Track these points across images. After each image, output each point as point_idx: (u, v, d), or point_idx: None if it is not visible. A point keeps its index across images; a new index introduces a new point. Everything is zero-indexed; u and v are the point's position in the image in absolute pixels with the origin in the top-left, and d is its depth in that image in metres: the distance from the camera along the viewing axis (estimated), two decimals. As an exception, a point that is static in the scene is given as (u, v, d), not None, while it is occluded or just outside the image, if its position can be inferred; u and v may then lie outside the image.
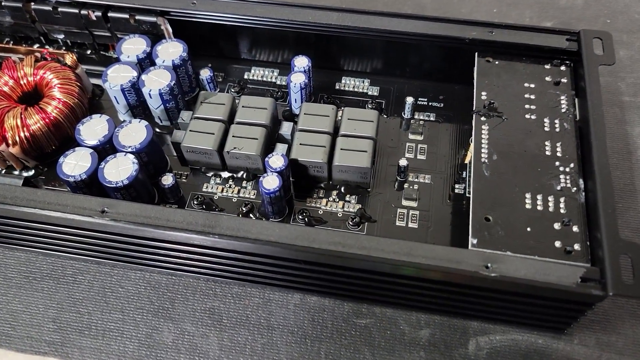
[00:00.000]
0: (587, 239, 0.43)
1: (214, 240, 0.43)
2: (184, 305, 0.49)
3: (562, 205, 0.45)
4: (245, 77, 0.61)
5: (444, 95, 0.59)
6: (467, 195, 0.52)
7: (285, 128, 0.53)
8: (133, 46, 0.56)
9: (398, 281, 0.44)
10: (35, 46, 0.63)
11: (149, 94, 0.53)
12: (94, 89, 0.60)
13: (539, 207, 0.45)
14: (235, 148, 0.51)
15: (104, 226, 0.44)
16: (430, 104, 0.58)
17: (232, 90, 0.60)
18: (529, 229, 0.44)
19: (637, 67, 0.64)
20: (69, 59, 0.57)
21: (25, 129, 0.51)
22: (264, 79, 0.61)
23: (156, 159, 0.52)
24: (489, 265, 0.41)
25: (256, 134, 0.52)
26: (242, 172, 0.53)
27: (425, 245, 0.42)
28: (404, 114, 0.57)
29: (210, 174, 0.54)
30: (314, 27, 0.56)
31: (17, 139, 0.51)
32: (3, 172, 0.54)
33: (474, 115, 0.50)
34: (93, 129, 0.51)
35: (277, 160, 0.49)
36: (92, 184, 0.49)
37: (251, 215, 0.51)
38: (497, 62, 0.54)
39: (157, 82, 0.53)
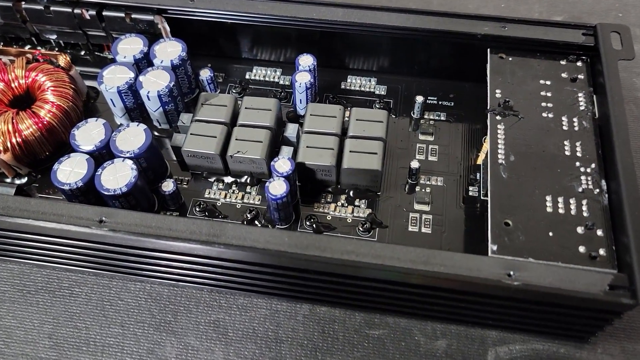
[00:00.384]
0: (613, 244, 0.41)
1: (219, 250, 0.41)
2: (187, 318, 0.47)
3: (584, 208, 0.43)
4: (247, 77, 0.59)
5: (454, 93, 0.56)
6: (481, 197, 0.49)
7: (291, 130, 0.51)
8: (129, 46, 0.54)
9: (414, 291, 0.41)
10: (27, 47, 0.60)
11: (147, 96, 0.51)
12: (88, 91, 0.57)
13: (561, 211, 0.43)
14: (238, 152, 0.48)
15: (102, 237, 0.42)
16: (440, 102, 0.56)
17: (234, 91, 0.57)
18: (550, 234, 0.42)
19: (651, 62, 0.62)
20: (62, 60, 0.55)
21: (17, 134, 0.49)
22: (267, 78, 0.58)
23: (156, 164, 0.50)
24: (512, 273, 0.39)
25: (260, 137, 0.49)
26: (246, 177, 0.51)
27: (443, 252, 0.40)
28: (414, 113, 0.55)
29: (212, 179, 0.51)
30: (319, 24, 0.54)
31: (9, 145, 0.49)
32: (-6, 180, 0.51)
33: (488, 115, 0.48)
34: (89, 134, 0.48)
35: (283, 164, 0.46)
36: (88, 192, 0.46)
37: (256, 222, 0.49)
38: (510, 59, 0.52)
39: (155, 83, 0.51)
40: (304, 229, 0.48)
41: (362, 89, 0.57)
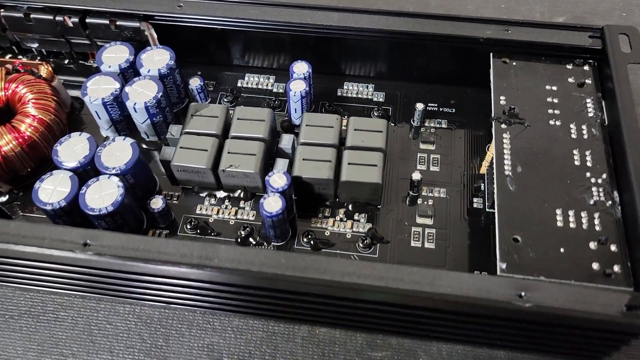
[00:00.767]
0: (628, 259, 0.39)
1: (211, 274, 0.38)
2: (179, 343, 0.44)
3: (596, 221, 0.41)
4: (239, 84, 0.56)
5: (456, 99, 0.54)
6: (486, 210, 0.47)
7: (285, 141, 0.48)
8: (114, 55, 0.51)
9: (419, 313, 0.39)
10: (7, 57, 0.57)
11: (134, 108, 0.48)
12: (73, 102, 0.55)
13: (572, 225, 0.41)
14: (231, 166, 0.46)
15: (86, 261, 0.39)
16: (441, 109, 0.54)
17: (225, 100, 0.55)
18: (562, 250, 0.39)
19: (658, 64, 0.60)
20: (44, 70, 0.52)
21: (-4, 150, 0.46)
22: (259, 86, 0.56)
23: (144, 180, 0.47)
24: (523, 294, 0.36)
25: (254, 149, 0.47)
26: (239, 191, 0.48)
27: (450, 273, 0.37)
28: (414, 121, 0.52)
29: (204, 194, 0.49)
30: (314, 29, 0.51)
31: (-12, 162, 0.46)
32: (-27, 198, 0.48)
33: (493, 123, 0.46)
34: (72, 149, 0.46)
35: (278, 178, 0.44)
36: (72, 211, 0.44)
37: (251, 239, 0.46)
38: (514, 63, 0.49)
39: (142, 94, 0.48)
40: (301, 245, 0.46)
41: (360, 95, 0.55)
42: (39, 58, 0.58)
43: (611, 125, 0.45)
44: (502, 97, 0.47)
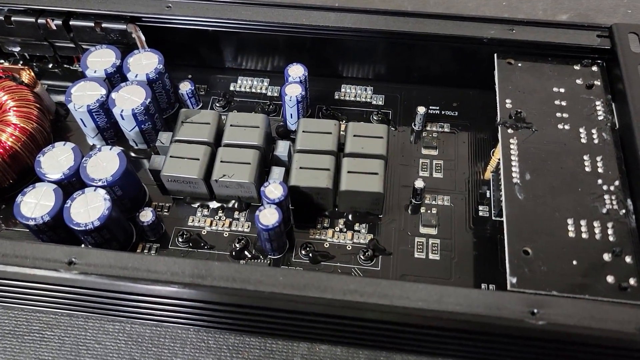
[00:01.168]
0: (644, 272, 0.37)
1: (204, 294, 0.36)
2: (172, 363, 0.42)
3: (610, 231, 0.39)
4: (232, 88, 0.54)
5: (458, 101, 0.52)
6: (493, 218, 0.45)
7: (281, 148, 0.46)
8: (100, 59, 0.49)
9: (425, 331, 0.37)
10: (-12, 62, 0.55)
11: (121, 115, 0.46)
12: (57, 109, 0.52)
13: (584, 235, 0.39)
14: (224, 176, 0.44)
15: (72, 281, 0.37)
16: (443, 112, 0.51)
17: (217, 104, 0.52)
18: (574, 262, 0.37)
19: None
20: (26, 76, 0.49)
21: (-25, 162, 0.44)
22: (253, 90, 0.54)
23: (132, 191, 0.45)
24: (535, 310, 0.34)
25: (248, 158, 0.44)
26: (233, 202, 0.46)
27: (458, 289, 0.35)
28: (415, 125, 0.50)
29: (196, 205, 0.46)
30: (309, 30, 0.49)
31: (-34, 174, 0.44)
32: (-48, 212, 0.46)
33: (499, 128, 0.44)
34: (56, 160, 0.43)
35: (274, 189, 0.42)
36: (57, 226, 0.41)
37: (246, 252, 0.44)
38: (520, 64, 0.47)
39: (129, 100, 0.46)
40: (299, 258, 0.44)
41: (358, 99, 0.53)
42: (21, 62, 0.55)
43: (622, 128, 0.43)
44: (507, 100, 0.45)
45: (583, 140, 0.43)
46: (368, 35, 0.49)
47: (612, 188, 0.40)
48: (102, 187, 0.42)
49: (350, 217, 0.45)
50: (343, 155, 0.45)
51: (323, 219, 0.45)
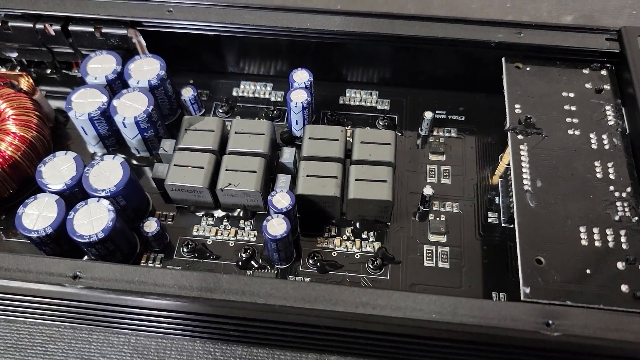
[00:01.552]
0: (659, 280, 0.37)
1: (213, 308, 0.35)
2: (179, 376, 0.42)
3: (623, 239, 0.38)
4: (234, 93, 0.53)
5: (464, 106, 0.51)
6: (502, 225, 0.44)
7: (287, 155, 0.45)
8: (100, 65, 0.48)
9: (438, 343, 0.36)
10: (-16, 68, 0.54)
11: (123, 123, 0.45)
12: (57, 116, 0.51)
13: (597, 244, 0.38)
14: (230, 184, 0.43)
15: (77, 295, 0.36)
16: (449, 117, 0.51)
17: (220, 110, 0.51)
18: (588, 271, 0.37)
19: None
20: (25, 83, 0.48)
21: (-26, 172, 0.43)
22: (256, 95, 0.53)
23: (136, 201, 0.44)
24: (550, 321, 0.34)
25: (254, 166, 0.44)
26: (238, 210, 0.45)
27: (472, 301, 0.35)
28: (421, 130, 0.49)
29: (200, 214, 0.46)
30: (314, 35, 0.48)
31: (-35, 185, 0.43)
32: (-49, 224, 0.45)
33: (509, 134, 0.43)
34: (57, 170, 0.42)
35: (281, 198, 0.41)
36: (59, 238, 0.40)
37: (253, 262, 0.43)
38: (528, 68, 0.47)
39: (132, 107, 0.45)
40: (307, 268, 0.43)
41: (363, 103, 0.52)
42: (18, 68, 0.54)
43: (633, 134, 0.43)
44: (517, 105, 0.44)
45: (594, 146, 0.42)
46: (374, 40, 0.48)
47: (624, 195, 0.40)
48: (106, 197, 0.41)
49: (357, 225, 0.44)
50: (350, 163, 0.44)
51: (330, 227, 0.45)
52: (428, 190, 0.44)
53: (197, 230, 0.45)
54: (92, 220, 0.40)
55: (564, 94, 0.45)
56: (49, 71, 0.54)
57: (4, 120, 0.45)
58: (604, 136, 0.43)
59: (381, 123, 0.50)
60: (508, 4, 0.62)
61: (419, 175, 0.47)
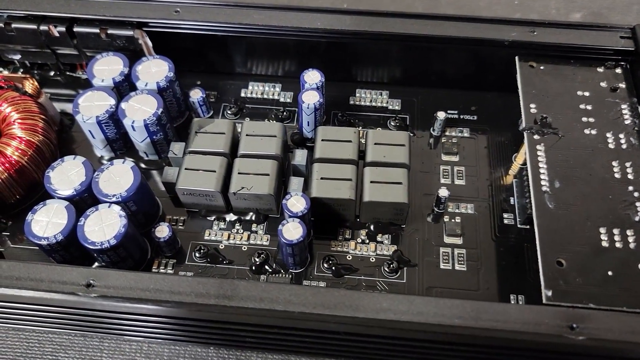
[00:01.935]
0: (681, 282, 0.36)
1: (231, 315, 0.34)
2: (193, 383, 0.41)
3: (644, 240, 0.38)
4: (242, 94, 0.52)
5: (476, 105, 0.51)
6: (518, 226, 0.44)
7: (299, 157, 0.45)
8: (107, 67, 0.47)
9: (460, 348, 0.36)
10: (-13, 71, 0.53)
11: (132, 126, 0.44)
12: (62, 119, 0.50)
13: (618, 245, 0.38)
14: (243, 188, 0.42)
15: (90, 304, 0.35)
16: (461, 116, 0.50)
17: (229, 111, 0.50)
18: (610, 273, 0.37)
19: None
20: (30, 85, 0.47)
21: (-20, 178, 0.42)
22: (265, 95, 0.52)
23: (146, 206, 0.43)
24: (574, 325, 0.33)
25: (266, 169, 0.43)
26: (251, 214, 0.44)
27: (494, 305, 0.34)
28: (434, 130, 0.49)
29: (212, 218, 0.45)
30: (323, 34, 0.47)
31: (-28, 191, 0.42)
32: (-43, 231, 0.44)
33: (525, 134, 0.42)
34: (66, 175, 0.41)
35: (296, 202, 0.40)
36: (70, 245, 0.39)
37: (266, 266, 0.42)
38: (542, 67, 0.46)
39: (140, 110, 0.44)
40: (322, 272, 0.42)
41: (374, 103, 0.51)
42: (22, 70, 0.53)
43: (650, 133, 0.42)
44: (532, 105, 0.44)
45: (611, 146, 0.42)
46: (384, 39, 0.47)
47: (643, 195, 0.40)
48: (117, 202, 0.40)
49: (372, 227, 0.44)
50: (364, 165, 0.44)
51: (344, 230, 0.44)
52: (444, 192, 0.43)
53: (209, 234, 0.44)
54: (104, 226, 0.39)
55: (579, 92, 0.45)
56: (52, 73, 0.53)
57: (9, 124, 0.44)
58: (621, 135, 0.42)
59: (393, 124, 0.49)
60: (516, 1, 0.62)
61: (432, 176, 0.47)
